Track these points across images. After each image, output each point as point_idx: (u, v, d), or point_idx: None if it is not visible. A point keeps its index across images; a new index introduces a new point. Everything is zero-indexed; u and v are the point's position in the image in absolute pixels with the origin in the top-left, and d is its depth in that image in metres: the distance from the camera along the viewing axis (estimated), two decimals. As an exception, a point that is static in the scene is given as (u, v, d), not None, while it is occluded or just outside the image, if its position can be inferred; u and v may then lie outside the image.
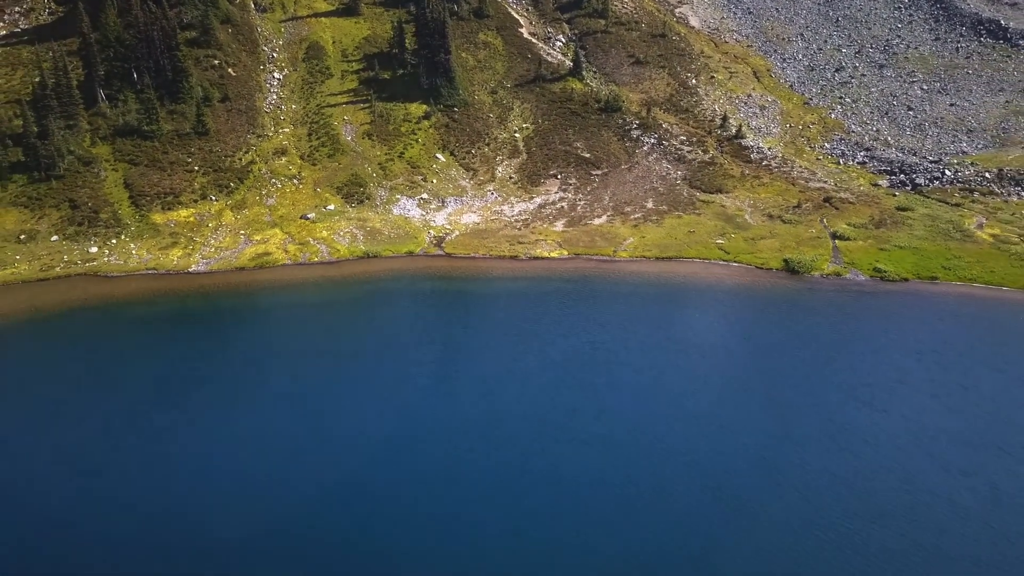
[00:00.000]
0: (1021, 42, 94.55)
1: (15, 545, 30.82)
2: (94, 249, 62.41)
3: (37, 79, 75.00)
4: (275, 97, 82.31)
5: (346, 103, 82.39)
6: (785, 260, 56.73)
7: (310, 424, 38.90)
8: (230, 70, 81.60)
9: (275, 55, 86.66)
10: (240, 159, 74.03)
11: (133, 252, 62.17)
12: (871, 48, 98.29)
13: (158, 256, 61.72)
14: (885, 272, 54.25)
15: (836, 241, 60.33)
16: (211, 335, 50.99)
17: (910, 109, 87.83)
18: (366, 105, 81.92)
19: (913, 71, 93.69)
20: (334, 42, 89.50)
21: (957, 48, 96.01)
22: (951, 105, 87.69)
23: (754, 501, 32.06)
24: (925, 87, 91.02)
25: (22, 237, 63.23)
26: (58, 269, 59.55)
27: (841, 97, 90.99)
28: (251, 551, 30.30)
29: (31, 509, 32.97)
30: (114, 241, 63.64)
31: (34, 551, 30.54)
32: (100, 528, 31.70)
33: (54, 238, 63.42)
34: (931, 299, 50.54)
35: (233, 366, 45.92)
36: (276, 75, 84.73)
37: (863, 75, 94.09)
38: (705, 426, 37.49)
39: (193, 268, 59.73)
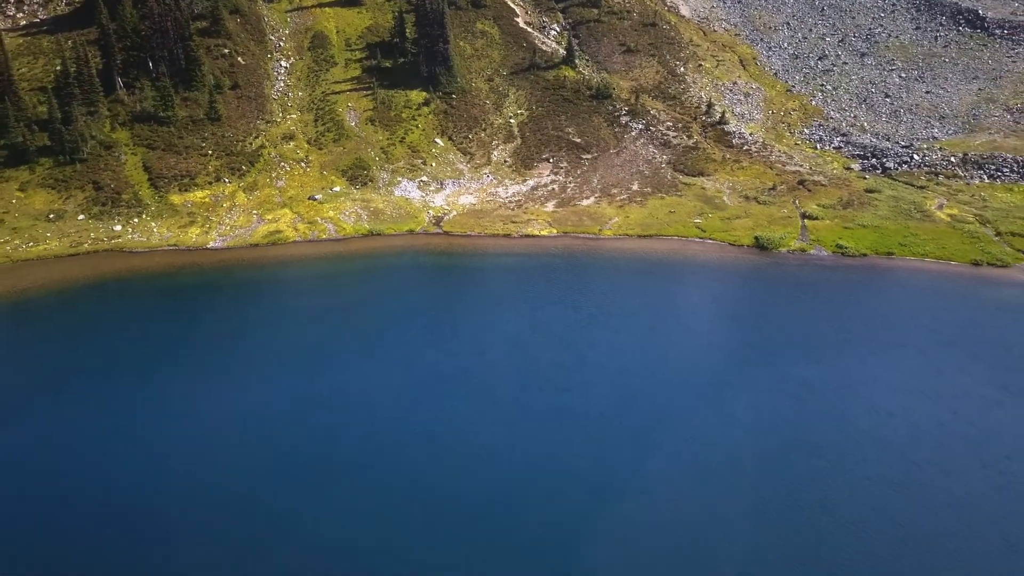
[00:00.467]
0: (997, 31, 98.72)
1: (61, 500, 36.15)
2: (118, 227, 67.63)
3: (59, 67, 79.99)
4: (282, 84, 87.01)
5: (350, 90, 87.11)
6: (756, 237, 61.85)
7: (324, 377, 44.29)
8: (239, 59, 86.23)
9: (281, 44, 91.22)
10: (251, 143, 78.94)
11: (154, 230, 67.41)
12: (854, 37, 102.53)
13: (178, 234, 66.95)
14: (846, 248, 59.39)
15: (805, 220, 65.39)
16: (230, 303, 56.34)
17: (887, 96, 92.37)
18: (369, 92, 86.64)
19: (893, 59, 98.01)
20: (338, 31, 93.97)
21: (936, 37, 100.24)
22: (926, 92, 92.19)
23: (700, 428, 37.45)
24: (903, 75, 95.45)
25: (51, 216, 68.43)
26: (86, 245, 64.81)
27: (823, 85, 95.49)
28: (274, 482, 35.72)
29: (69, 461, 38.35)
30: (136, 220, 68.83)
31: (83, 498, 35.87)
32: (140, 472, 37.03)
33: (80, 217, 68.62)
34: (885, 272, 55.73)
35: (251, 330, 51.28)
36: (283, 63, 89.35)
37: (845, 63, 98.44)
38: (668, 372, 42.87)
39: (211, 245, 64.99)
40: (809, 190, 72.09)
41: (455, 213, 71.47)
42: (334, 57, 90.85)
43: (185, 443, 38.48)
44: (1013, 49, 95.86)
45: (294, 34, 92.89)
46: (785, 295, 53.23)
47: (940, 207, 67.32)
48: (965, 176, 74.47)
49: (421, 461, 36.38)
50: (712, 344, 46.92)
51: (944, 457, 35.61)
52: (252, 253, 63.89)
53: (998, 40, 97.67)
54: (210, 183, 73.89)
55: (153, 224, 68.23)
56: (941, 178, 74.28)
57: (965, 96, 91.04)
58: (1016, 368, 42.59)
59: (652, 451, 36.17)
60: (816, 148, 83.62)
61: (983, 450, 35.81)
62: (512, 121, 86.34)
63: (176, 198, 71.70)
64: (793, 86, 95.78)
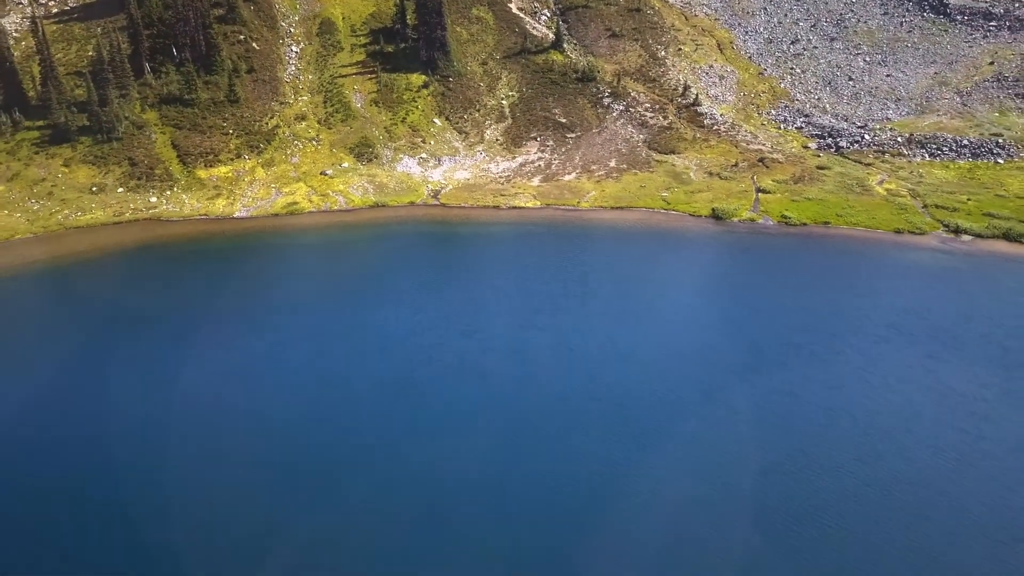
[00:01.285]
0: (959, 17, 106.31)
1: (113, 444, 46.08)
2: (153, 199, 77.09)
3: (92, 53, 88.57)
4: (294, 68, 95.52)
5: (355, 74, 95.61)
6: (713, 209, 71.12)
7: (339, 318, 54.08)
8: (254, 44, 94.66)
9: (292, 30, 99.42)
10: (267, 123, 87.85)
11: (185, 201, 76.88)
12: (825, 22, 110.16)
13: (206, 205, 76.42)
14: (789, 218, 68.68)
15: (759, 194, 74.54)
16: (256, 263, 66.06)
17: (851, 79, 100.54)
18: (373, 75, 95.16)
19: (860, 44, 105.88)
20: (343, 18, 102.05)
21: (902, 23, 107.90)
22: (887, 76, 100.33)
23: (646, 358, 47.30)
24: (868, 59, 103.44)
25: (94, 189, 77.86)
26: (127, 215, 74.38)
27: (792, 68, 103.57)
28: (298, 421, 45.66)
29: (118, 399, 48.29)
30: (168, 192, 78.25)
31: (129, 442, 45.79)
32: (188, 400, 46.91)
33: (120, 190, 78.05)
34: (818, 239, 65.13)
35: (274, 284, 61.02)
36: (294, 48, 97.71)
37: (815, 47, 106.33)
38: (626, 317, 52.61)
39: (236, 214, 74.51)
40: (767, 167, 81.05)
41: (451, 187, 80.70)
42: (340, 42, 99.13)
43: (225, 373, 48.39)
44: (971, 35, 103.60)
45: (303, 20, 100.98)
46: (727, 255, 62.89)
47: (880, 183, 76.34)
48: (908, 154, 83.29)
49: (423, 371, 46.44)
50: (662, 291, 56.81)
51: (831, 376, 45.43)
52: (272, 222, 73.43)
53: (958, 26, 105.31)
54: (232, 159, 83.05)
55: (184, 196, 77.67)
56: (887, 156, 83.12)
57: (922, 79, 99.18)
58: (912, 312, 52.18)
59: (593, 376, 46.08)
60: (780, 128, 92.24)
61: (866, 372, 45.63)
62: (504, 102, 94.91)
63: (202, 173, 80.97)
64: (765, 69, 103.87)
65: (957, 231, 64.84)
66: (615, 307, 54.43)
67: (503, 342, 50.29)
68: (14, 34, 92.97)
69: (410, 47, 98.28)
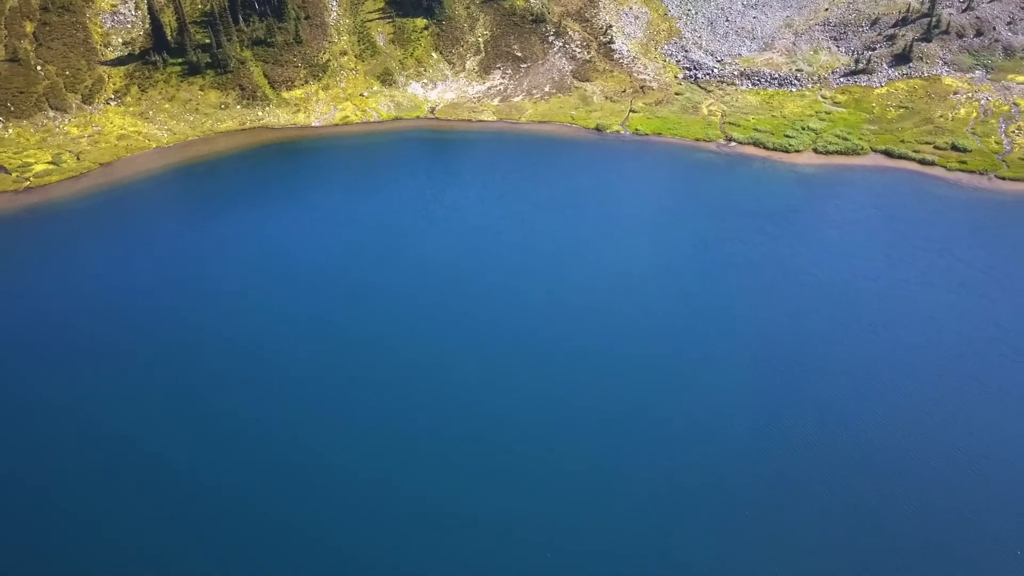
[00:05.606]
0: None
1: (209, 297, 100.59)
2: (260, 113, 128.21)
3: (201, 6, 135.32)
4: (335, 15, 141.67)
5: (377, 19, 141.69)
6: (597, 124, 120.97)
7: (376, 187, 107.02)
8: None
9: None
10: (321, 58, 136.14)
11: (279, 115, 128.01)
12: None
13: (292, 117, 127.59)
14: (640, 131, 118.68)
15: (631, 113, 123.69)
16: (329, 154, 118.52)
17: (727, 20, 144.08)
18: (390, 20, 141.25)
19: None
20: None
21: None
22: (753, 17, 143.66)
23: (540, 199, 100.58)
24: (744, 3, 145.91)
25: (222, 106, 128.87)
26: (247, 124, 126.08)
27: (689, 9, 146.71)
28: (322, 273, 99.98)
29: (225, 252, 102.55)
30: (268, 108, 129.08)
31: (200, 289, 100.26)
32: (281, 245, 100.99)
33: (238, 107, 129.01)
34: (651, 144, 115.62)
35: (341, 167, 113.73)
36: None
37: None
38: (524, 177, 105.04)
39: (313, 124, 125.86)
40: (644, 92, 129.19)
41: (442, 105, 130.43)
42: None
43: (309, 225, 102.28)
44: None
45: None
46: (596, 154, 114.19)
47: (709, 105, 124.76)
48: (738, 84, 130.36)
49: (424, 230, 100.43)
50: (545, 167, 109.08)
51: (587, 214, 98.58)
52: (334, 129, 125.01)
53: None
54: (303, 85, 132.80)
55: (278, 111, 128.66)
56: (724, 85, 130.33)
57: (775, 21, 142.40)
58: (680, 193, 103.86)
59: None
60: (665, 61, 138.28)
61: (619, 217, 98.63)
62: (480, 40, 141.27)
63: (286, 95, 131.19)
64: (670, 10, 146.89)
65: (730, 139, 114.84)
66: (524, 173, 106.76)
67: (469, 195, 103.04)
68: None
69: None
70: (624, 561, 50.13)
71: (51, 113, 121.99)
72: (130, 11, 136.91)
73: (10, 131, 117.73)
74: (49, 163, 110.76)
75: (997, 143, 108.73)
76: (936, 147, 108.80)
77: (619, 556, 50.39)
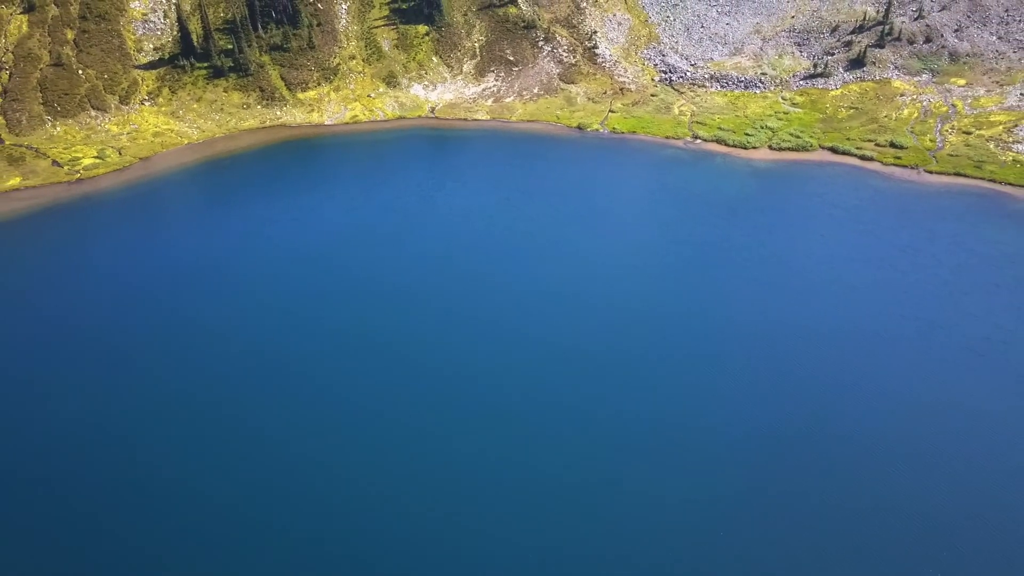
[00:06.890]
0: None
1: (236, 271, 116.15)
2: (278, 113, 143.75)
3: (223, 15, 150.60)
4: (344, 22, 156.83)
5: (383, 25, 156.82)
6: (579, 123, 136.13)
7: (383, 177, 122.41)
8: (319, 5, 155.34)
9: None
10: (332, 61, 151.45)
11: (296, 115, 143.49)
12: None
13: (307, 116, 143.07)
14: (616, 129, 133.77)
15: (609, 113, 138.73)
16: (339, 150, 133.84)
17: (703, 26, 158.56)
18: (394, 26, 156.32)
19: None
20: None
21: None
22: (726, 24, 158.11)
23: (526, 188, 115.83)
24: (719, 10, 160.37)
25: (244, 106, 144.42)
26: (267, 122, 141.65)
27: (668, 16, 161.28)
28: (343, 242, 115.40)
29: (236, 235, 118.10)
30: (285, 108, 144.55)
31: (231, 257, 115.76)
32: (299, 227, 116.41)
33: (258, 107, 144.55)
34: (626, 141, 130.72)
35: (351, 161, 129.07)
36: (343, 6, 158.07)
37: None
38: (514, 168, 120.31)
39: (325, 122, 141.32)
40: (623, 94, 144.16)
41: (441, 105, 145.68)
42: (373, 1, 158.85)
43: (323, 207, 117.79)
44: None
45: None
46: (577, 149, 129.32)
47: (680, 106, 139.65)
48: (708, 86, 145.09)
49: (425, 214, 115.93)
50: (531, 160, 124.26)
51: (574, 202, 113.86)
52: (345, 127, 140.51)
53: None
54: (316, 87, 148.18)
55: (294, 111, 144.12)
56: (695, 87, 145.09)
57: (746, 28, 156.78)
58: (650, 184, 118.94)
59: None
60: (644, 65, 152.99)
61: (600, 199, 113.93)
62: (476, 45, 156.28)
63: (301, 96, 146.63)
64: (651, 17, 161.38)
65: (696, 137, 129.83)
66: (513, 165, 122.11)
67: (465, 181, 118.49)
68: (174, 2, 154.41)
69: (417, 4, 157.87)
70: (624, 561, 52.21)
71: (93, 112, 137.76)
72: (159, 19, 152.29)
73: (58, 129, 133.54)
74: (95, 157, 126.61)
75: (931, 141, 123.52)
76: (877, 144, 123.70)
77: (613, 559, 52.33)
